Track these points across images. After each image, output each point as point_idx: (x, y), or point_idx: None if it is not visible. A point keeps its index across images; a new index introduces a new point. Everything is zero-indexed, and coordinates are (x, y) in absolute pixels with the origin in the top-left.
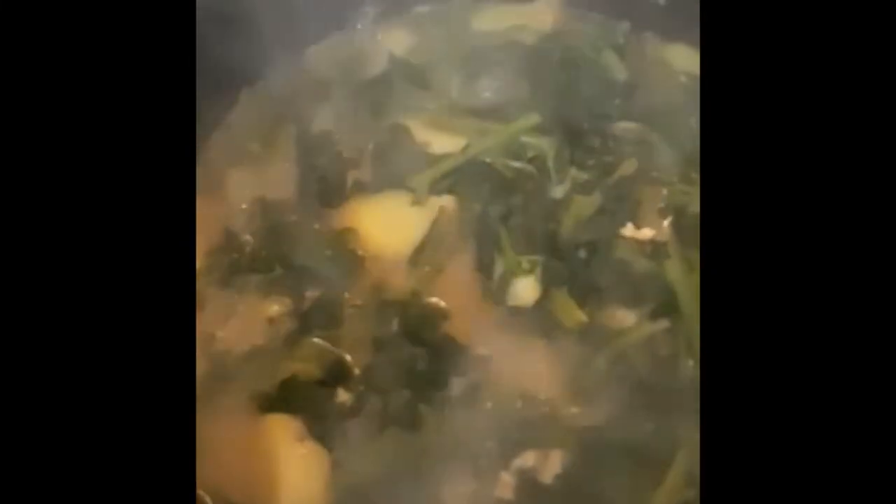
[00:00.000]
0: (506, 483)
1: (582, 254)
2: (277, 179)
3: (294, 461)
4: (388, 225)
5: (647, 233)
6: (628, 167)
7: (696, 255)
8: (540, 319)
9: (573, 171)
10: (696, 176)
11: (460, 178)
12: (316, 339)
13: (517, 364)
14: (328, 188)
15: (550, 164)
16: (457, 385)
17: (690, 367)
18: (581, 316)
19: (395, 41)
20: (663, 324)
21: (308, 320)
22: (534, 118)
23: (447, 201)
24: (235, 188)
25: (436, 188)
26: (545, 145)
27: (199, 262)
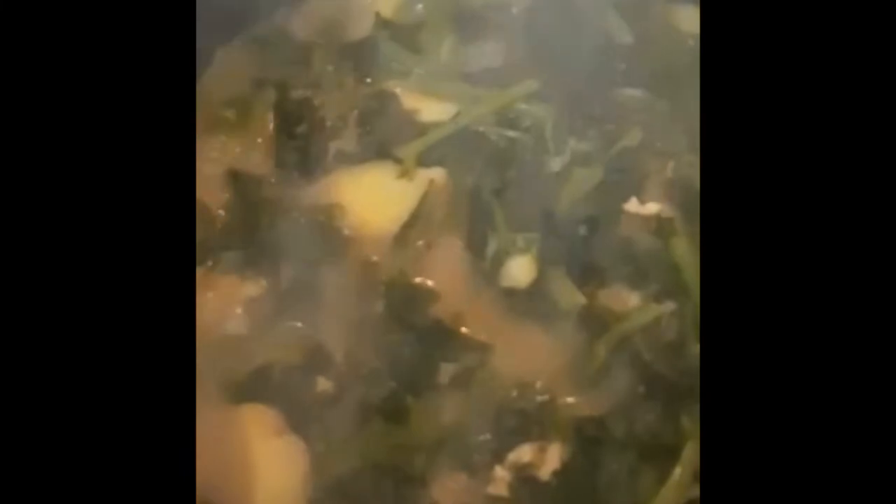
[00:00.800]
0: (500, 478)
1: (582, 231)
2: (253, 149)
3: (270, 455)
4: (373, 199)
5: (652, 208)
6: (632, 137)
7: None
8: (536, 301)
9: (572, 142)
10: None
11: (451, 148)
12: (294, 323)
13: (512, 350)
14: (308, 159)
15: (548, 133)
16: (446, 372)
17: (698, 352)
18: (580, 298)
19: (381, 1)
20: (669, 306)
21: (285, 302)
22: (530, 84)
23: (437, 174)
24: (207, 158)
25: (425, 159)
26: (542, 113)
27: None
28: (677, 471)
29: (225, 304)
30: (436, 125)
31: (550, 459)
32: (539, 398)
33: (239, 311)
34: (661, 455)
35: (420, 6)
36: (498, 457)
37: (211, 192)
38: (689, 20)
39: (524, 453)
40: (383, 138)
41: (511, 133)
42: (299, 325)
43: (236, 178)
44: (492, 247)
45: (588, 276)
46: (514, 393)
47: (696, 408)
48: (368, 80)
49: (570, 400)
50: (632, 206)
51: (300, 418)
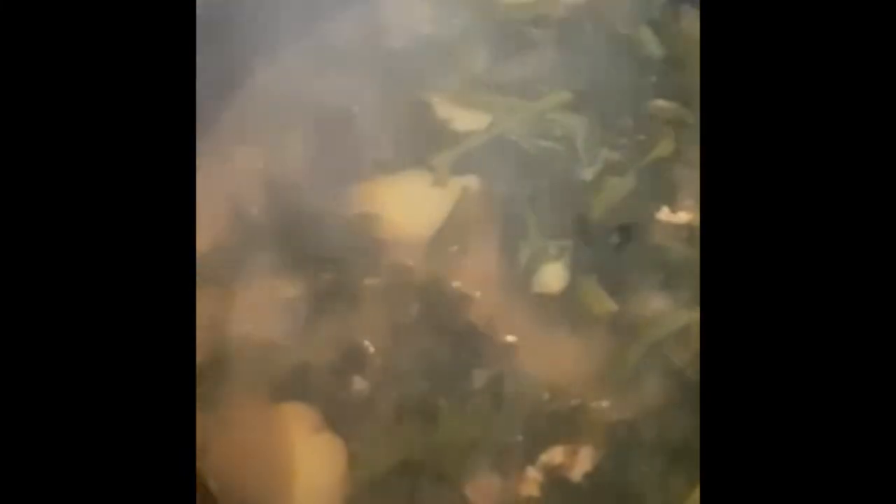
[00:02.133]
0: (532, 479)
1: (613, 239)
2: (292, 157)
3: (309, 453)
4: (408, 206)
5: (683, 217)
6: (664, 148)
7: None
8: (568, 307)
9: (604, 152)
10: None
11: (484, 157)
12: (331, 324)
13: (544, 354)
14: (345, 167)
15: (580, 143)
16: (479, 376)
17: None
18: (611, 305)
19: (417, 14)
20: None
21: (323, 304)
22: (563, 95)
23: (470, 182)
24: (247, 165)
25: (458, 168)
26: (575, 123)
27: (206, 242)
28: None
29: (264, 305)
30: (469, 134)
31: (582, 461)
32: (571, 402)
33: (277, 312)
34: (691, 459)
35: (455, 19)
36: (530, 458)
37: (250, 198)
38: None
39: (556, 455)
40: (418, 147)
41: (543, 142)
42: (336, 327)
43: (275, 184)
44: (524, 253)
45: (620, 283)
46: (546, 396)
47: None
48: (405, 90)
49: (601, 404)
50: (663, 214)
51: (338, 417)
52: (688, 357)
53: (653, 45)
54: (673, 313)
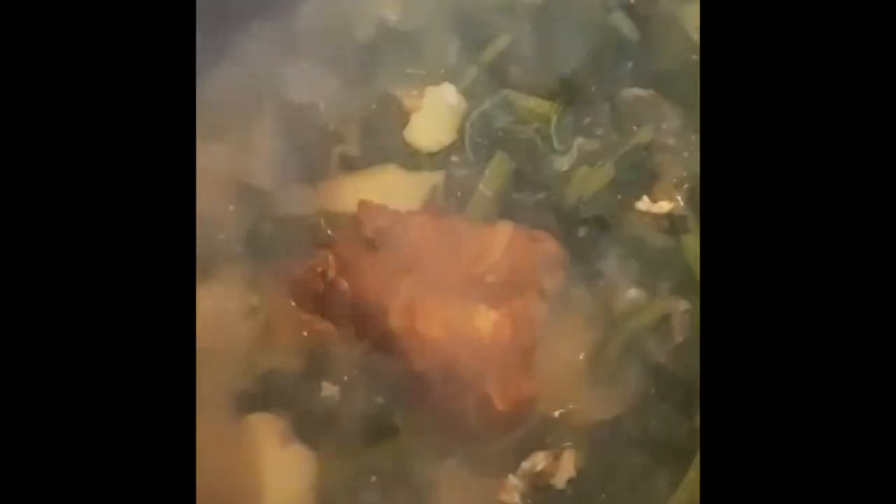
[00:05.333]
0: (512, 487)
1: (590, 229)
2: (256, 155)
3: (278, 463)
4: (379, 202)
5: (664, 206)
6: (642, 136)
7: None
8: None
9: (580, 140)
10: None
11: (455, 149)
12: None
13: None
14: (311, 164)
15: (553, 131)
16: None
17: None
18: (590, 298)
19: (384, 4)
20: (682, 304)
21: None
22: (536, 82)
23: (442, 175)
24: (209, 165)
25: (430, 161)
26: (549, 111)
27: None
28: (691, 473)
29: (227, 312)
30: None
31: (565, 466)
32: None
33: (241, 318)
34: (675, 456)
35: (423, 9)
36: (511, 466)
37: (213, 200)
38: (696, 18)
39: (538, 461)
40: (387, 142)
41: (518, 133)
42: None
43: (238, 186)
44: None
45: (597, 275)
46: None
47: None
48: (372, 83)
49: (582, 403)
50: (643, 204)
51: (306, 426)
52: (669, 351)
53: (627, 31)
54: (652, 304)
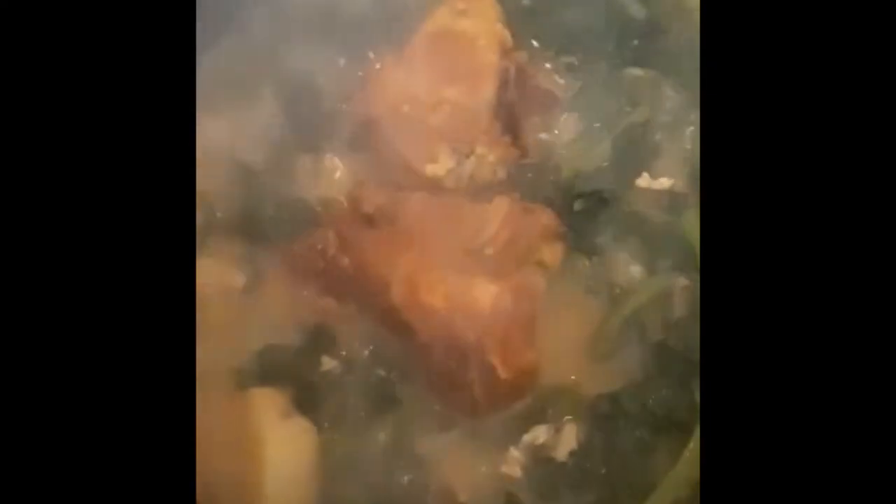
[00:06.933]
0: (514, 459)
1: (591, 205)
2: (255, 130)
3: (278, 439)
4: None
5: (664, 183)
6: (643, 112)
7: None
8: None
9: (585, 117)
10: None
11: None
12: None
13: None
14: (311, 138)
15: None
16: None
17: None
18: (591, 273)
19: None
20: (682, 280)
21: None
22: (539, 57)
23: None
24: (208, 141)
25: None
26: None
27: None
28: (691, 446)
29: (224, 287)
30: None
31: (566, 438)
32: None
33: (238, 293)
34: (675, 430)
35: None
36: (512, 438)
37: (211, 175)
38: None
39: (539, 434)
40: None
41: None
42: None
43: (238, 161)
44: None
45: (597, 251)
46: None
47: None
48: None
49: (583, 377)
50: (643, 181)
51: (307, 400)
52: (669, 326)
53: (633, 8)
54: (652, 280)
